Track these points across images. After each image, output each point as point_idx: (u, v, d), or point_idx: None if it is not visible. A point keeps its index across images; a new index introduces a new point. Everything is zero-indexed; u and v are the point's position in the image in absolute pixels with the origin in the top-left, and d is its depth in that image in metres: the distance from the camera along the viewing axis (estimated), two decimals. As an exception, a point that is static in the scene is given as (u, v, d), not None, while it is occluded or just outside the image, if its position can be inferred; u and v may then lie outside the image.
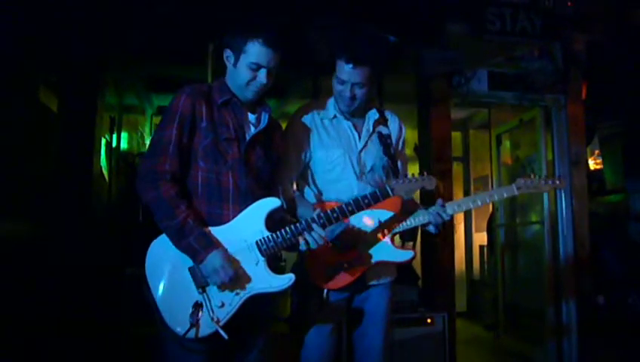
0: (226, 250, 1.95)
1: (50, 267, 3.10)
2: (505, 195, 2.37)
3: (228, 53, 2.10)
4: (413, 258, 2.38)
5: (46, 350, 2.89)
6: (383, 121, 2.54)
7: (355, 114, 2.49)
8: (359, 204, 2.12)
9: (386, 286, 2.50)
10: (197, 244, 1.91)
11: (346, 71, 2.32)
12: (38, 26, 3.03)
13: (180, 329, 1.88)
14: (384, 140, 2.48)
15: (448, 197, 4.24)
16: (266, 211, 2.03)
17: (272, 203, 2.05)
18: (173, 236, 1.93)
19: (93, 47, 3.64)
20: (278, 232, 2.02)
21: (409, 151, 4.91)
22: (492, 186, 6.17)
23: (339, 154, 2.43)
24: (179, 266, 1.94)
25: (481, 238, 7.20)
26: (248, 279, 1.98)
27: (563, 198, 4.68)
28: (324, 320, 2.36)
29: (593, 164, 6.17)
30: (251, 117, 2.16)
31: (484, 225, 6.87)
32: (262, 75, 2.06)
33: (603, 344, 4.36)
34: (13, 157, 2.89)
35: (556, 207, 4.73)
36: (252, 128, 2.14)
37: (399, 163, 2.52)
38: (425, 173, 2.16)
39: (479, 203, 2.35)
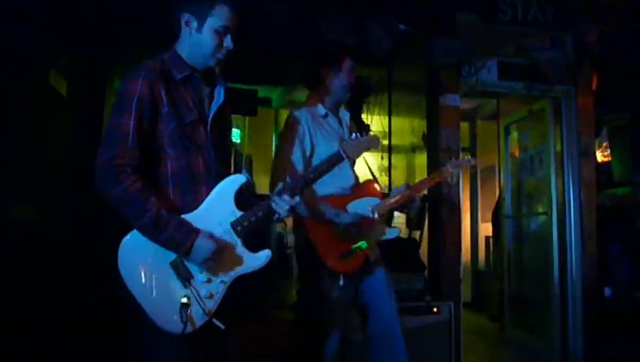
0: (209, 233, 1.88)
1: (58, 252, 3.11)
2: None
3: (188, 17, 1.94)
4: (399, 234, 2.72)
5: (53, 340, 2.90)
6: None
7: (336, 109, 2.79)
8: (320, 169, 2.15)
9: (380, 260, 2.75)
10: (178, 234, 1.81)
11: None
12: (49, 11, 3.02)
13: (174, 328, 1.80)
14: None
15: (456, 186, 4.27)
16: (234, 190, 1.95)
17: (238, 180, 1.97)
18: (149, 231, 1.81)
19: (103, 34, 3.64)
20: (250, 211, 1.96)
21: (417, 140, 4.91)
22: (499, 177, 6.15)
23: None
24: (158, 263, 1.85)
25: (486, 229, 7.19)
26: (230, 263, 1.92)
27: (571, 189, 4.67)
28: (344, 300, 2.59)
29: (601, 156, 6.13)
30: (206, 90, 2.04)
31: (490, 215, 6.87)
32: (229, 40, 1.96)
33: (609, 336, 4.36)
34: (24, 141, 2.90)
35: (564, 198, 4.71)
36: (211, 104, 2.03)
37: None
38: (370, 133, 2.29)
39: None
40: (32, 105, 2.97)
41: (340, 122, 2.80)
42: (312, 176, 2.11)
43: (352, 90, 2.76)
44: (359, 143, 2.20)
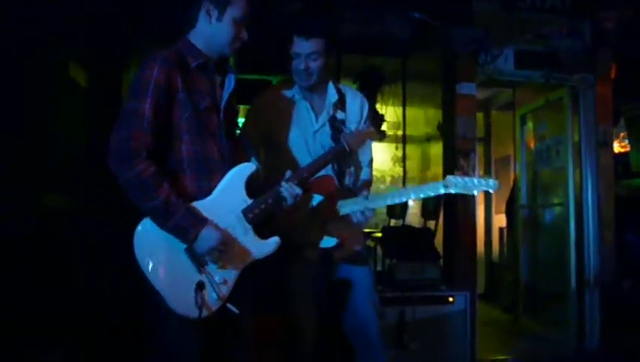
0: (215, 224, 1.90)
1: (83, 242, 3.12)
2: (431, 194, 2.24)
3: (209, 6, 1.96)
4: (335, 246, 2.39)
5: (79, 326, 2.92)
6: (341, 104, 2.54)
7: (314, 90, 2.51)
8: (325, 160, 2.22)
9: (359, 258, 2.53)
10: (185, 222, 1.83)
11: (297, 43, 2.39)
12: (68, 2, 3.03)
13: (190, 313, 1.83)
14: (336, 125, 2.49)
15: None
16: (244, 178, 1.99)
17: (248, 168, 2.01)
18: (159, 217, 1.84)
19: (121, 24, 3.64)
20: (260, 198, 2.01)
21: (432, 130, 4.87)
22: (514, 167, 6.11)
23: (296, 135, 2.48)
24: (174, 249, 1.88)
25: (500, 220, 7.14)
26: (243, 250, 1.96)
27: (589, 180, 4.62)
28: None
29: (618, 147, 6.07)
30: (218, 79, 2.08)
31: (504, 207, 6.83)
32: (245, 31, 2.02)
33: (627, 328, 4.33)
34: (48, 133, 2.91)
35: (581, 189, 4.67)
36: (223, 92, 2.07)
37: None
38: (367, 124, 2.35)
39: (403, 199, 2.32)
40: (52, 96, 2.98)
41: (313, 107, 2.54)
42: (316, 166, 2.18)
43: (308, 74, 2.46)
44: (358, 134, 2.28)
